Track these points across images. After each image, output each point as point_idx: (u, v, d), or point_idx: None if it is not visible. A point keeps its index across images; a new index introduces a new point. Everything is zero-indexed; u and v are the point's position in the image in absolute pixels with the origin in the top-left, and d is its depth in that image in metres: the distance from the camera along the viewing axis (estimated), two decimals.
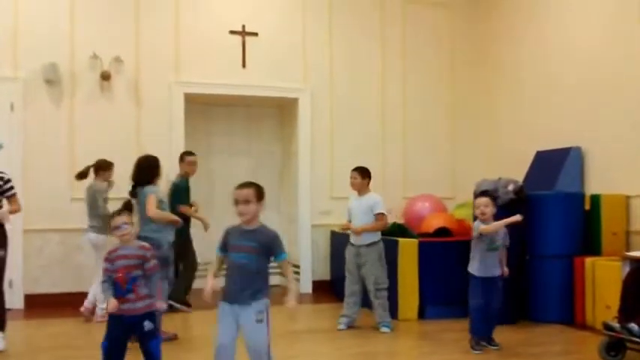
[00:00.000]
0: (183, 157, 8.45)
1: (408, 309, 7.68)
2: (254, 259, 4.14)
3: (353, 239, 7.22)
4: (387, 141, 10.17)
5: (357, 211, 7.21)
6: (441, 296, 7.70)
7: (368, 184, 7.31)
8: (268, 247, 4.17)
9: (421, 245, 7.74)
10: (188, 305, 8.12)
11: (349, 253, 7.23)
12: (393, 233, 8.10)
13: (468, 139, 10.50)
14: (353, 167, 7.42)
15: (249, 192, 4.19)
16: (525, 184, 7.95)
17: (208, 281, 4.26)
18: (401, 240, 7.73)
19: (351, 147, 9.95)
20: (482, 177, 8.03)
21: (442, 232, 8.33)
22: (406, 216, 9.73)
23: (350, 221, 7.34)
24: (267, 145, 10.52)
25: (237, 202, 4.17)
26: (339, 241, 9.32)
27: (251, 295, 4.12)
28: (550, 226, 7.54)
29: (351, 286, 7.27)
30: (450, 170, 10.43)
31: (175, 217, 6.57)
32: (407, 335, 7.18)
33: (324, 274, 9.59)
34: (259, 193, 4.24)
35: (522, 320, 7.54)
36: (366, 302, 7.35)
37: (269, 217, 10.17)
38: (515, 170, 8.87)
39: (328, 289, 9.42)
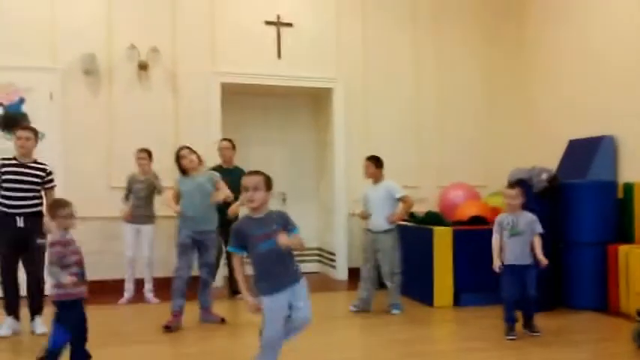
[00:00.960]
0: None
1: (443, 296, 7.76)
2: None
3: (370, 225, 7.40)
4: (421, 130, 10.20)
5: (375, 199, 7.39)
6: (476, 283, 7.75)
7: (382, 172, 7.49)
8: (285, 225, 4.23)
9: (455, 233, 7.81)
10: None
11: (366, 239, 7.41)
12: (427, 221, 8.21)
13: (502, 128, 10.50)
14: (375, 156, 7.55)
15: (258, 179, 4.25)
16: (559, 173, 8.03)
17: (247, 297, 4.22)
18: (436, 228, 7.82)
19: (385, 136, 10.00)
20: (515, 165, 8.08)
21: (476, 220, 8.36)
22: (441, 204, 9.79)
23: (365, 210, 7.51)
24: (302, 135, 10.56)
25: (246, 189, 4.24)
26: None
27: (295, 273, 4.29)
28: (583, 214, 7.60)
29: (367, 271, 7.47)
30: (483, 159, 10.43)
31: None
32: (442, 322, 7.24)
33: (360, 262, 9.61)
34: (268, 181, 4.29)
35: (559, 307, 7.59)
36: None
37: (307, 208, 10.36)
38: (548, 158, 8.93)
39: None
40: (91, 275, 8.57)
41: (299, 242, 4.24)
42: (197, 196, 6.63)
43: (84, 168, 8.78)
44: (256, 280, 4.27)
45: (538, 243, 6.27)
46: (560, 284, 7.73)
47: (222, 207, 7.14)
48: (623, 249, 7.38)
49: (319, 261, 10.61)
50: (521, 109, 10.47)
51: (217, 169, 8.08)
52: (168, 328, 6.47)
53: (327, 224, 10.01)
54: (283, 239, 4.13)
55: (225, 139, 8.58)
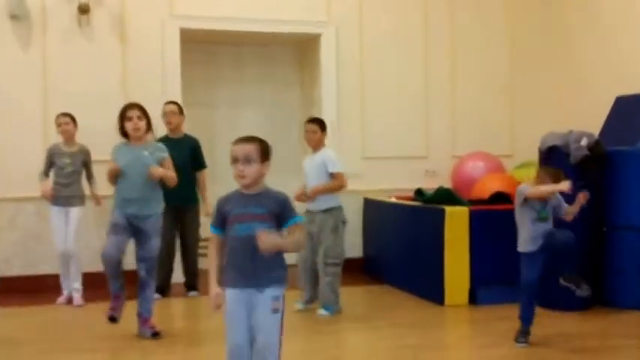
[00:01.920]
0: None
1: (457, 292, 7.75)
2: (266, 228, 4.02)
3: (308, 205, 7.39)
4: (431, 87, 10.19)
5: (310, 171, 7.44)
6: (497, 276, 7.72)
7: (324, 138, 7.54)
8: (278, 213, 4.10)
9: (473, 214, 7.78)
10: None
11: (306, 223, 7.34)
12: (438, 200, 8.17)
13: (530, 83, 10.47)
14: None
15: (251, 148, 4.11)
16: (602, 138, 7.93)
17: (212, 289, 4.16)
18: (448, 208, 7.77)
19: (387, 95, 9.99)
20: (548, 130, 8.01)
21: (499, 197, 8.35)
22: (455, 179, 9.78)
23: (304, 186, 7.52)
24: (283, 94, 10.54)
25: (235, 160, 4.10)
26: (373, 210, 9.41)
27: (267, 276, 4.09)
28: (634, 190, 7.56)
29: (305, 260, 7.47)
30: (508, 122, 10.44)
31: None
32: (455, 324, 7.24)
33: (356, 251, 9.68)
34: (264, 150, 4.16)
35: (597, 305, 7.57)
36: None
37: (288, 184, 10.28)
38: (589, 120, 8.86)
39: (359, 269, 9.52)
40: (25, 269, 8.72)
41: (292, 244, 4.13)
42: (137, 172, 6.43)
43: (13, 138, 8.74)
44: (223, 271, 4.18)
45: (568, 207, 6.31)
46: (600, 277, 7.68)
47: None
48: None
49: None
50: (555, 60, 10.42)
51: (163, 139, 8.03)
52: (113, 319, 6.47)
53: None
54: (264, 240, 3.95)
55: (170, 102, 8.55)
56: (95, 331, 6.76)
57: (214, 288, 4.13)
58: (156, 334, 6.54)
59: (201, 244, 8.52)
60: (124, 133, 6.55)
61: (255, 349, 4.03)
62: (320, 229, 7.35)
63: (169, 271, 8.45)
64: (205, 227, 8.26)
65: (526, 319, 6.29)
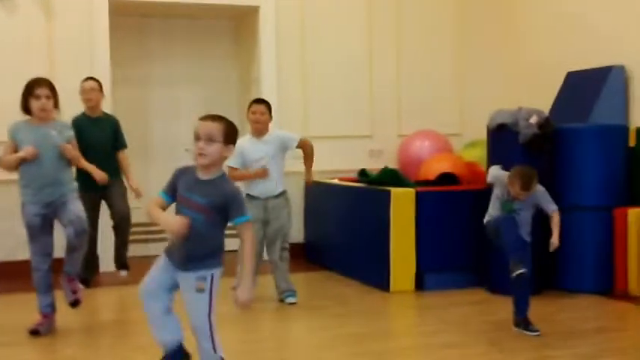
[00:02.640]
0: None
1: (403, 278, 7.73)
2: (202, 221, 4.12)
3: (257, 191, 7.25)
4: (375, 63, 10.18)
5: (265, 157, 7.21)
6: (445, 261, 7.78)
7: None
8: (222, 207, 4.14)
9: (420, 196, 7.77)
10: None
11: (255, 210, 7.16)
12: (383, 181, 8.14)
13: (479, 59, 10.52)
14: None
15: (214, 127, 4.13)
16: (553, 115, 7.98)
17: (170, 217, 4.19)
18: (394, 190, 7.75)
19: (329, 72, 9.97)
20: (498, 107, 8.01)
21: (447, 178, 8.38)
22: (401, 159, 9.81)
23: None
24: (218, 72, 10.48)
25: (197, 137, 4.12)
26: (315, 192, 9.34)
27: (197, 263, 4.16)
28: (584, 169, 7.60)
29: (258, 252, 7.32)
30: (456, 99, 10.49)
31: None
32: (401, 311, 7.25)
33: (297, 236, 9.57)
34: (229, 132, 4.19)
35: (549, 289, 7.62)
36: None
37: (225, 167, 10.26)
38: (539, 97, 8.92)
39: (301, 255, 9.47)
40: None
41: (250, 290, 4.22)
42: (47, 154, 6.20)
43: None
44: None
45: (557, 221, 6.28)
46: (553, 260, 7.68)
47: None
48: (634, 213, 7.39)
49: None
50: (504, 35, 10.46)
51: (81, 118, 7.96)
52: (36, 332, 6.28)
53: None
54: (242, 300, 4.15)
55: (90, 78, 8.34)
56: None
57: (172, 217, 4.17)
58: (76, 302, 6.45)
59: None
60: (27, 111, 6.31)
61: (191, 330, 4.21)
62: (277, 214, 7.27)
63: (93, 260, 8.26)
64: (134, 212, 8.26)
65: (519, 306, 6.18)
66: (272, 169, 7.23)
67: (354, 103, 10.06)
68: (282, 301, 7.30)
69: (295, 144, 7.37)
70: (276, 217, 7.28)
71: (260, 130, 7.29)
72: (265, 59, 9.81)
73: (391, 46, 10.24)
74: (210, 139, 4.10)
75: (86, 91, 8.15)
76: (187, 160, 4.39)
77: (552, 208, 6.32)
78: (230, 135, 4.19)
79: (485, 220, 6.38)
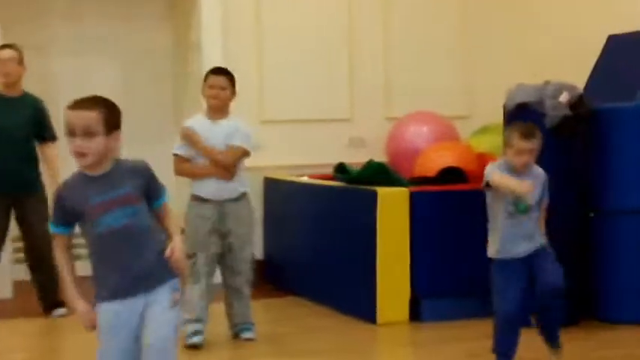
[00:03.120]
0: None
1: (393, 306, 7.75)
2: (139, 211, 4.21)
3: (205, 191, 7.22)
4: (356, 23, 10.22)
5: (219, 146, 7.19)
6: (447, 284, 7.82)
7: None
8: (147, 187, 4.28)
9: (415, 198, 7.80)
10: None
11: (204, 217, 7.19)
12: (367, 179, 8.15)
13: (492, 20, 10.55)
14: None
15: (91, 117, 4.11)
16: (588, 92, 8.02)
17: (77, 304, 4.27)
18: (381, 190, 7.77)
19: (294, 35, 10.00)
20: (517, 81, 8.06)
21: (451, 175, 8.39)
22: (390, 149, 9.85)
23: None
24: (145, 35, 10.50)
25: (71, 132, 4.12)
26: (277, 193, 9.39)
27: (159, 270, 4.24)
28: (629, 161, 7.65)
29: (208, 273, 7.28)
30: (462, 72, 10.56)
31: None
32: (391, 349, 7.34)
33: (255, 250, 9.44)
34: (111, 117, 4.20)
35: (586, 319, 7.64)
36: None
37: (156, 157, 10.12)
38: (571, 68, 8.89)
39: (260, 275, 9.45)
40: None
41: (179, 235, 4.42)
42: None
43: None
44: (93, 279, 4.31)
45: (543, 218, 6.30)
46: (587, 281, 7.75)
47: None
48: None
49: None
50: None
51: None
52: None
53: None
54: (177, 254, 4.28)
55: (6, 46, 8.37)
56: None
57: (79, 303, 4.25)
58: None
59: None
60: None
61: (147, 351, 4.21)
62: (237, 223, 7.22)
63: None
64: None
65: (502, 354, 6.22)
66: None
67: (328, 76, 10.10)
68: (236, 335, 7.29)
69: (248, 146, 7.26)
70: (238, 228, 7.21)
71: (218, 109, 7.26)
72: (207, 20, 9.83)
73: (377, 3, 10.31)
74: (89, 134, 4.10)
75: (2, 62, 8.17)
76: None
77: (547, 201, 6.33)
78: (112, 120, 4.20)
79: (498, 253, 6.27)
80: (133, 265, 4.20)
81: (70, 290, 4.28)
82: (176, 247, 4.24)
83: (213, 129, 7.18)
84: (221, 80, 7.28)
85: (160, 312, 4.24)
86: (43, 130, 8.24)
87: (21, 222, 8.17)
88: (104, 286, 4.22)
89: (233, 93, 7.34)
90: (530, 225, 6.17)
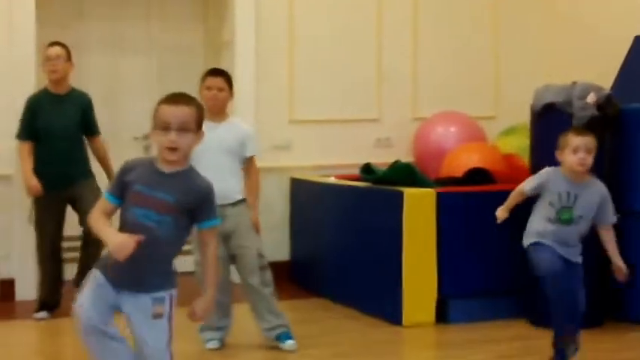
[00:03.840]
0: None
1: (420, 307, 7.75)
2: (168, 223, 4.21)
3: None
4: (385, 25, 10.20)
5: (217, 149, 7.03)
6: (475, 284, 7.82)
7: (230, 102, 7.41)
8: (191, 208, 4.27)
9: (442, 199, 7.79)
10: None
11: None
12: (394, 179, 8.13)
13: (520, 20, 10.57)
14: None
15: (189, 113, 4.24)
16: (616, 93, 7.96)
17: (114, 236, 4.24)
18: (408, 191, 7.75)
19: (325, 35, 10.00)
20: (544, 81, 8.05)
21: (478, 175, 8.37)
22: (418, 150, 9.84)
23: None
24: (179, 35, 10.46)
25: (166, 126, 4.19)
26: (304, 194, 9.38)
27: (153, 282, 4.27)
28: None
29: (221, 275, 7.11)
30: (490, 72, 10.53)
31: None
32: (418, 351, 7.33)
33: (280, 252, 9.66)
34: (201, 117, 4.34)
35: (610, 321, 7.65)
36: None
37: None
38: (599, 69, 8.90)
39: (285, 277, 9.45)
40: None
41: (209, 303, 4.46)
42: None
43: None
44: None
45: (611, 237, 6.34)
46: (614, 283, 7.57)
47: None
48: None
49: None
50: None
51: (40, 96, 8.11)
52: None
53: None
54: (198, 310, 4.37)
55: (56, 44, 8.35)
56: None
57: (115, 234, 4.23)
58: None
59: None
60: None
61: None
62: (237, 226, 7.15)
63: (57, 279, 8.25)
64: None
65: (558, 326, 6.24)
66: (227, 167, 7.13)
67: (357, 76, 10.08)
68: (275, 341, 7.16)
69: (249, 155, 7.22)
70: (239, 228, 7.16)
71: (217, 111, 7.17)
72: (240, 19, 9.82)
73: (406, 3, 10.27)
74: (184, 129, 4.19)
75: (50, 58, 8.20)
76: (136, 151, 4.44)
77: (612, 220, 6.33)
78: (202, 120, 4.34)
79: (528, 242, 6.34)
80: (134, 264, 4.19)
81: (104, 230, 4.28)
82: (206, 307, 4.34)
83: (215, 130, 6.86)
84: (218, 81, 7.23)
85: (150, 324, 4.29)
86: (90, 125, 8.30)
87: (75, 208, 8.16)
88: (110, 264, 4.28)
89: (231, 94, 7.29)
90: (572, 235, 6.20)
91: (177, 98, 4.31)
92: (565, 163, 6.10)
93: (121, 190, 4.30)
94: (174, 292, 4.35)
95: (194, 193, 4.27)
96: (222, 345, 7.14)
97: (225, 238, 7.08)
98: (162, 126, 4.19)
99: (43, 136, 7.75)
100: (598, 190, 6.27)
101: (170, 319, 4.32)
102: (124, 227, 4.26)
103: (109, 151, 8.36)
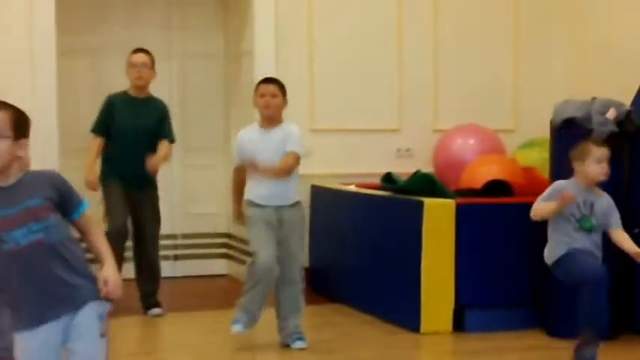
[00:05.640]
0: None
1: (438, 315, 7.74)
2: (51, 226, 3.95)
3: (261, 198, 7.19)
4: (406, 37, 10.18)
5: (265, 152, 7.16)
6: (493, 294, 7.79)
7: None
8: (59, 197, 4.00)
9: (461, 210, 7.78)
10: None
11: (261, 221, 7.15)
12: (414, 190, 8.15)
13: (541, 34, 10.51)
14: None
15: (2, 118, 3.90)
16: (636, 109, 7.91)
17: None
18: (428, 201, 7.76)
19: (346, 46, 9.98)
20: (564, 97, 8.05)
21: (497, 187, 8.35)
22: (438, 161, 9.81)
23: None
24: (200, 42, 10.50)
25: None
26: (324, 201, 9.38)
27: (79, 290, 4.02)
28: None
29: (270, 270, 7.17)
30: (510, 86, 10.48)
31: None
32: (435, 359, 7.32)
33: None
34: (19, 121, 3.95)
35: (626, 333, 7.60)
36: None
37: (208, 166, 10.48)
38: (619, 85, 8.77)
39: (306, 281, 9.39)
40: None
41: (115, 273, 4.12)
42: None
43: None
44: (8, 305, 4.12)
45: (625, 237, 6.39)
46: (631, 295, 7.74)
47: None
48: None
49: (228, 256, 10.66)
50: (573, 5, 10.40)
51: (121, 97, 8.36)
52: None
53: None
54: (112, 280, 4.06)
55: (140, 50, 8.54)
56: None
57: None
58: None
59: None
60: None
61: None
62: (290, 230, 7.20)
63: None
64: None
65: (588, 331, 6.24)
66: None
67: (378, 87, 10.05)
68: (286, 345, 7.25)
69: (290, 150, 7.19)
70: (291, 236, 7.19)
71: (271, 118, 7.25)
72: (260, 28, 9.82)
73: (427, 15, 10.24)
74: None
75: (136, 65, 8.36)
76: None
77: (619, 223, 6.40)
78: (21, 125, 3.95)
79: (552, 257, 6.37)
80: (48, 286, 3.95)
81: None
82: (110, 275, 4.03)
83: (266, 137, 7.18)
84: (272, 88, 7.29)
85: (90, 342, 4.02)
86: (163, 131, 8.41)
87: (134, 219, 8.31)
88: (19, 313, 4.02)
89: (284, 101, 7.33)
90: (595, 243, 6.28)
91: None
92: (586, 173, 6.15)
93: None
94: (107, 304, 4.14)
95: (50, 185, 3.99)
96: (246, 330, 7.19)
97: (279, 241, 7.12)
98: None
99: (118, 136, 7.99)
100: (606, 197, 6.36)
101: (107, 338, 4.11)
102: (5, 260, 3.92)
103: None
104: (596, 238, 6.28)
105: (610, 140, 7.32)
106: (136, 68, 8.38)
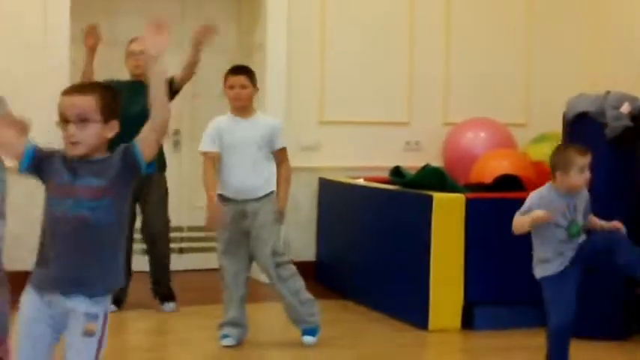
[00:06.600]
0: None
1: (446, 312, 7.73)
2: (102, 206, 3.95)
3: (231, 191, 7.17)
4: (417, 29, 10.18)
5: (241, 145, 7.14)
6: (502, 291, 7.78)
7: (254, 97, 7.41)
8: (126, 159, 4.00)
9: (471, 204, 7.77)
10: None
11: (231, 218, 7.17)
12: (423, 184, 8.13)
13: (554, 27, 10.51)
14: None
15: (86, 102, 3.98)
16: None
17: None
18: (437, 195, 7.74)
19: (357, 38, 9.99)
20: (576, 91, 7.99)
21: (507, 182, 8.35)
22: (447, 154, 9.83)
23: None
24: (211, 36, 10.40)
25: (64, 118, 4.00)
26: (332, 195, 9.35)
27: (89, 281, 3.98)
28: None
29: (235, 273, 7.22)
30: (522, 78, 10.48)
31: None
32: (443, 356, 7.30)
33: (306, 252, 9.71)
34: (108, 103, 4.03)
35: (638, 334, 7.58)
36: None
37: None
38: (634, 78, 8.84)
39: (312, 276, 9.40)
40: None
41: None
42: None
43: None
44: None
45: (596, 219, 6.28)
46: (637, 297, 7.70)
47: None
48: None
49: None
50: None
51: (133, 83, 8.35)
52: None
53: None
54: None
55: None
56: None
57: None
58: None
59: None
60: None
61: None
62: (259, 222, 7.12)
63: (126, 272, 8.23)
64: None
65: None
66: (253, 162, 7.14)
67: (388, 80, 10.06)
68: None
69: (279, 147, 7.22)
70: (259, 225, 7.13)
71: (242, 109, 7.21)
72: (273, 21, 9.85)
73: (439, 8, 10.27)
74: (83, 120, 3.95)
75: (134, 54, 8.42)
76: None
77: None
78: (110, 106, 4.03)
79: (541, 274, 6.30)
80: (72, 260, 3.97)
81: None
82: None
83: (243, 124, 7.16)
84: (241, 79, 7.24)
85: (78, 340, 4.00)
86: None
87: (142, 203, 8.25)
88: (36, 271, 4.07)
89: (255, 89, 7.31)
90: (575, 246, 6.14)
91: (73, 87, 4.18)
92: (569, 184, 5.98)
93: (37, 163, 4.05)
94: (108, 308, 4.11)
95: (115, 160, 3.99)
96: (239, 343, 7.15)
97: (246, 233, 7.12)
98: (60, 118, 3.98)
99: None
100: (583, 194, 6.19)
101: (101, 340, 4.04)
102: (49, 220, 4.05)
103: None
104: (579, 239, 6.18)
105: (624, 135, 7.36)
106: (133, 57, 8.42)
